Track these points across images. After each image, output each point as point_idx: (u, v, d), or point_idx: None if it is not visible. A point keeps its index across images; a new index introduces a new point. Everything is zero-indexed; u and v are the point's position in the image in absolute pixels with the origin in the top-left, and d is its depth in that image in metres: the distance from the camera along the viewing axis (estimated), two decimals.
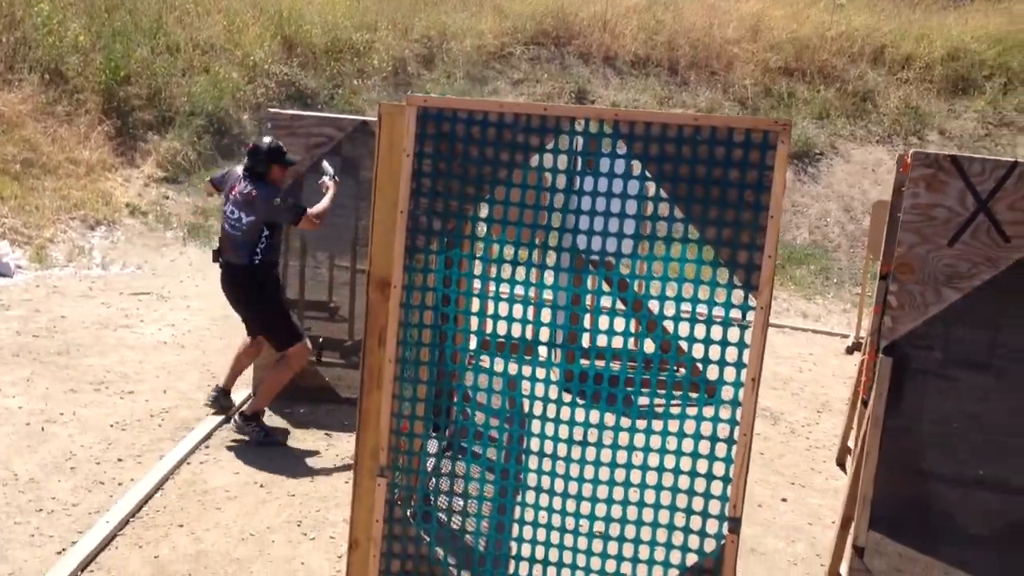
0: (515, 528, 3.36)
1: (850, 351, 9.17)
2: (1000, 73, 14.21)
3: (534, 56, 14.82)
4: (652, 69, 14.70)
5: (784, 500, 5.16)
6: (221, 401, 5.67)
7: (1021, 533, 3.17)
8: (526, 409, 3.41)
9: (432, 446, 3.98)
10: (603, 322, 7.93)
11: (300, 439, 5.44)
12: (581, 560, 3.27)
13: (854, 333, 9.47)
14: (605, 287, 6.81)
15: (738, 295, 3.16)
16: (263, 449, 5.20)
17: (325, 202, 5.33)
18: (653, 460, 3.19)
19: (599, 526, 3.22)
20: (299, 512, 4.49)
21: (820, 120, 14.00)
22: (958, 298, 2.90)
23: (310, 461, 5.14)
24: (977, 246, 2.85)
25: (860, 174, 13.27)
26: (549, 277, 3.33)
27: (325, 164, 5.60)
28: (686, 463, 3.20)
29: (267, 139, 5.29)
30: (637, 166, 3.20)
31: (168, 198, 11.48)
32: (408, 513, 3.41)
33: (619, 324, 7.95)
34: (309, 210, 5.18)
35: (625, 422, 3.26)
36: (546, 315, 7.75)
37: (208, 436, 5.29)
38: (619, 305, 8.50)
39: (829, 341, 9.72)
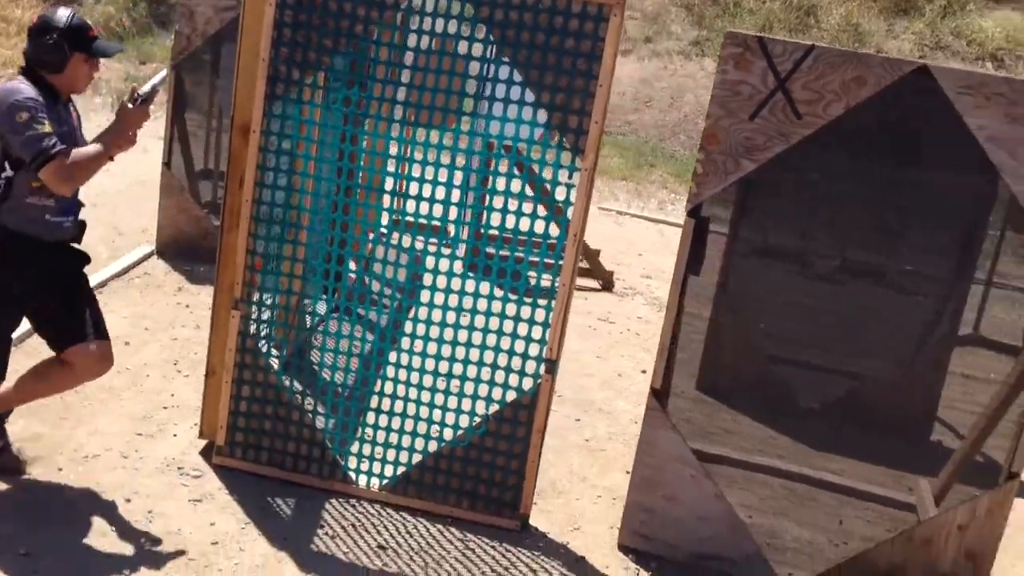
0: (358, 363, 3.67)
1: None
2: None
3: None
4: None
5: (644, 372, 5.54)
6: None
7: (801, 391, 3.56)
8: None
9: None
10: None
11: (195, 293, 5.67)
12: (413, 393, 3.60)
13: None
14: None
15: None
16: (154, 300, 5.44)
17: (96, 148, 3.18)
18: (482, 305, 3.50)
19: (431, 364, 3.54)
20: (178, 353, 4.76)
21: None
22: (753, 168, 3.19)
23: (199, 312, 5.39)
24: (773, 121, 3.12)
25: None
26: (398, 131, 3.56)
27: (157, 78, 3.36)
28: (511, 310, 3.51)
29: (63, 12, 3.21)
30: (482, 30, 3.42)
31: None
32: (260, 344, 3.70)
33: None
34: (73, 152, 3.09)
35: (458, 269, 3.56)
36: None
37: (102, 284, 5.50)
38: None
39: None
